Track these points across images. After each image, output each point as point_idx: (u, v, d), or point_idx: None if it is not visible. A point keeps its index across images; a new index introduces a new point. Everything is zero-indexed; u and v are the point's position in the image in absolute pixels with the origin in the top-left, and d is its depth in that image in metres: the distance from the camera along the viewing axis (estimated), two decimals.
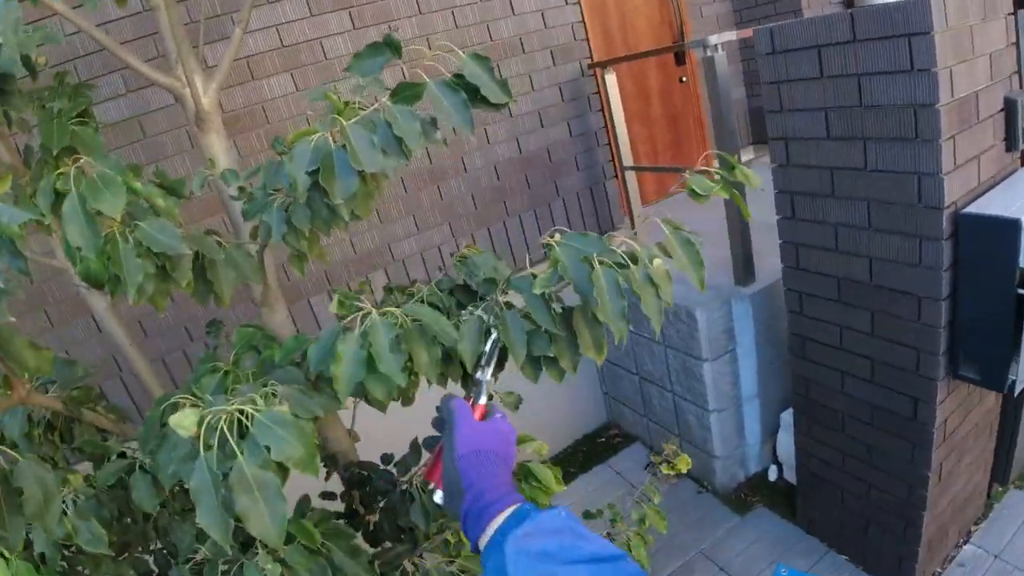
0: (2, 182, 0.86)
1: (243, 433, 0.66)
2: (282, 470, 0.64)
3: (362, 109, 0.84)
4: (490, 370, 0.78)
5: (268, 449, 0.63)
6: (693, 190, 0.88)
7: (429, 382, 0.87)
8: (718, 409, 2.75)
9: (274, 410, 0.65)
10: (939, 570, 2.30)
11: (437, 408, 0.82)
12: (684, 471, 1.72)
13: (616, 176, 3.30)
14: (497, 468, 0.61)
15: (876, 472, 2.17)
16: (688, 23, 3.79)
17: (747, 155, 4.07)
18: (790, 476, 2.76)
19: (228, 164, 1.17)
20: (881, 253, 1.84)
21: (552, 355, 0.85)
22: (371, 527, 1.26)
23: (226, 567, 0.92)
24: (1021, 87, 1.82)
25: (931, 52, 1.51)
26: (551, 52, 3.05)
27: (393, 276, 2.81)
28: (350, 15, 2.55)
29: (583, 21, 3.14)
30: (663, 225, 0.86)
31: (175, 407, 0.85)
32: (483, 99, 0.81)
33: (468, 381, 0.88)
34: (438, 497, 0.65)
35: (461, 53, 0.80)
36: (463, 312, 0.91)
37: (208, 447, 0.63)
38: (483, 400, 0.72)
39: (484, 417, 0.69)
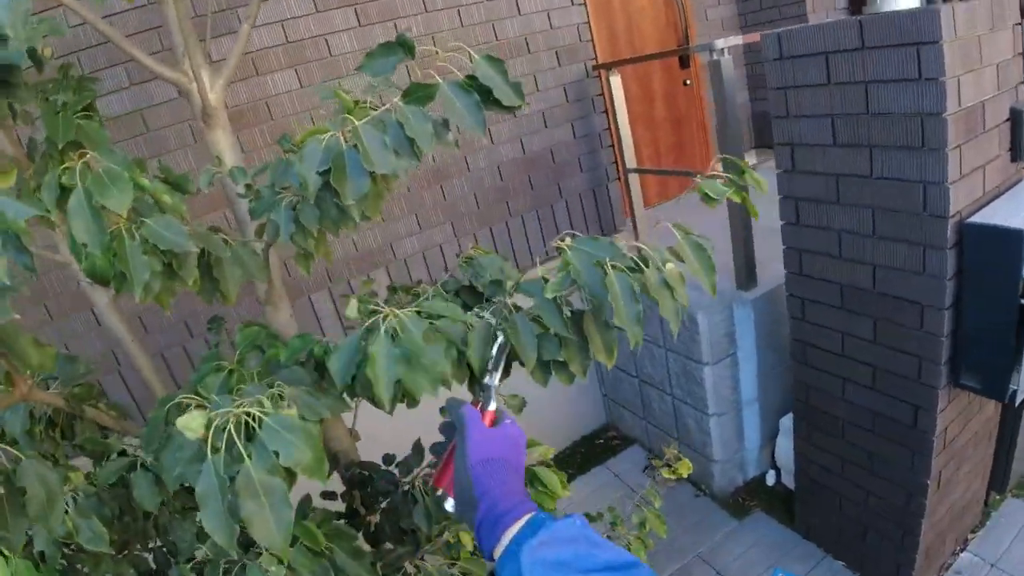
0: (7, 176, 0.85)
1: (250, 435, 0.65)
2: (290, 475, 0.64)
3: (372, 109, 0.83)
4: (498, 375, 0.77)
5: (276, 454, 0.62)
6: (706, 194, 0.87)
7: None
8: (718, 413, 2.75)
9: (282, 414, 0.64)
10: None
11: (441, 410, 0.81)
12: (685, 476, 1.71)
13: (619, 178, 3.30)
14: (509, 475, 0.61)
15: (875, 479, 2.17)
16: (693, 26, 3.79)
17: (750, 159, 4.07)
18: (788, 481, 2.76)
19: (234, 160, 1.16)
20: (885, 261, 1.84)
21: (562, 359, 0.84)
22: (372, 528, 1.25)
23: (227, 567, 0.91)
24: None
25: (939, 61, 1.51)
26: (556, 53, 3.04)
27: (395, 275, 2.80)
28: (355, 12, 2.54)
29: (588, 22, 3.14)
30: (674, 230, 0.86)
31: (180, 407, 0.84)
32: (495, 101, 0.81)
33: (475, 384, 0.88)
34: (449, 505, 0.64)
35: (474, 54, 0.80)
36: (470, 314, 0.90)
37: (215, 450, 0.62)
38: (492, 406, 0.71)
39: (494, 423, 0.69)
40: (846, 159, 1.82)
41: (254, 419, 0.65)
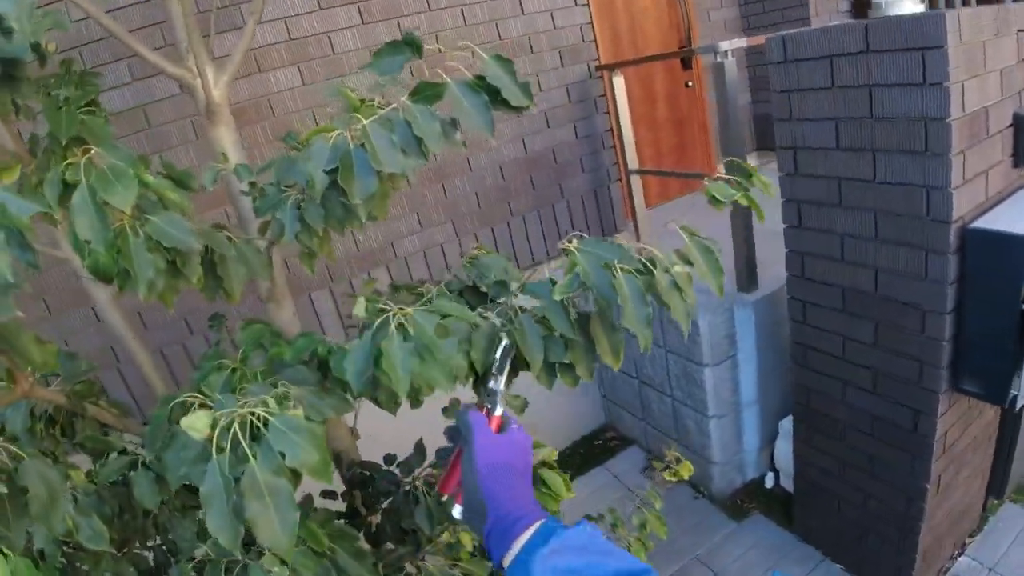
0: (10, 172, 0.85)
1: (255, 436, 0.64)
2: (295, 476, 0.63)
3: (379, 108, 0.83)
4: (503, 379, 0.75)
5: (282, 455, 0.61)
6: (713, 197, 0.87)
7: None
8: (717, 415, 2.75)
9: (289, 414, 0.64)
10: None
11: (443, 410, 0.80)
12: (686, 478, 1.71)
13: (620, 179, 3.29)
14: (516, 481, 0.60)
15: (875, 482, 2.17)
16: (696, 27, 3.79)
17: (751, 161, 4.06)
18: (787, 483, 2.76)
19: (237, 157, 1.15)
20: (887, 265, 1.84)
21: (567, 361, 0.84)
22: (373, 528, 1.25)
23: (229, 566, 0.91)
24: None
25: (944, 66, 1.51)
26: (559, 53, 3.03)
27: (395, 273, 2.79)
28: (359, 10, 2.53)
29: (592, 23, 3.13)
30: (682, 232, 0.85)
31: (183, 406, 0.83)
32: (503, 101, 0.80)
33: (479, 387, 0.87)
34: (457, 512, 0.63)
35: (483, 54, 0.79)
36: (474, 314, 0.89)
37: (220, 450, 0.62)
38: (499, 411, 0.70)
39: (500, 428, 0.67)
40: (849, 163, 1.82)
41: (259, 419, 0.64)
